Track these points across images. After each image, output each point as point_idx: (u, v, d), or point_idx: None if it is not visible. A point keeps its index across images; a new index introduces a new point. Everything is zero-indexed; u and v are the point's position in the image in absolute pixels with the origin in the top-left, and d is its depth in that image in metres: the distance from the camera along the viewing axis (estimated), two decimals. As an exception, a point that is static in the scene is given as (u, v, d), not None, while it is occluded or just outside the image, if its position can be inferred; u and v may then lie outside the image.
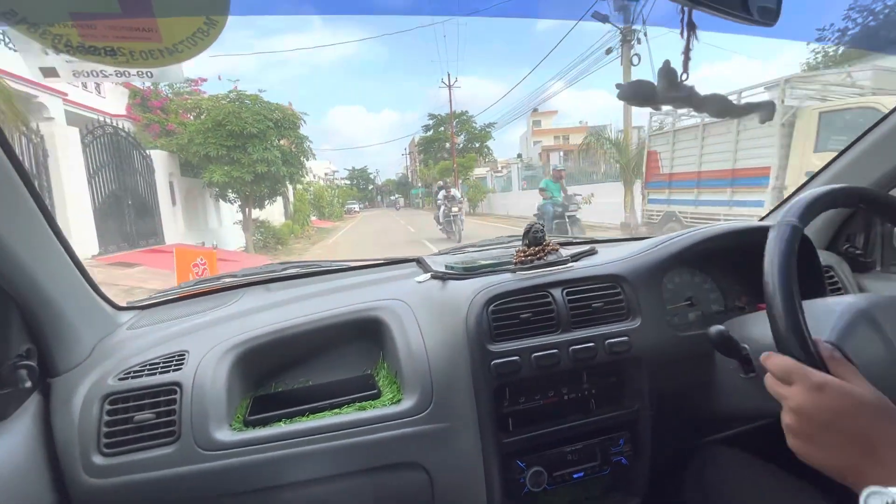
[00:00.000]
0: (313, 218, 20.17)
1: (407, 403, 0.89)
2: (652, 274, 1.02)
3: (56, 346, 0.81)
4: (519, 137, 41.34)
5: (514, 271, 1.03)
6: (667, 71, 0.59)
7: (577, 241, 1.59)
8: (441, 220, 11.55)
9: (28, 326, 0.76)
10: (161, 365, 0.87)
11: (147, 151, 9.73)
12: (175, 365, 0.87)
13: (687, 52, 0.57)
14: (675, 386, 1.00)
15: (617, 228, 11.21)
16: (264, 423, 0.86)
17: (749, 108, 0.70)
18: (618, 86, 0.62)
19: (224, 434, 0.82)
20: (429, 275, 1.14)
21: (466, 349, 0.90)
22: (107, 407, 0.81)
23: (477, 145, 35.14)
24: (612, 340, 0.94)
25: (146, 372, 0.86)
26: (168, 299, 1.17)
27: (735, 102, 0.71)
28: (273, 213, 13.67)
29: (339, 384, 0.99)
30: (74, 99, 8.53)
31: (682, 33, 0.56)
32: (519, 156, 31.53)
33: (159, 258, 7.72)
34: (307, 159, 11.77)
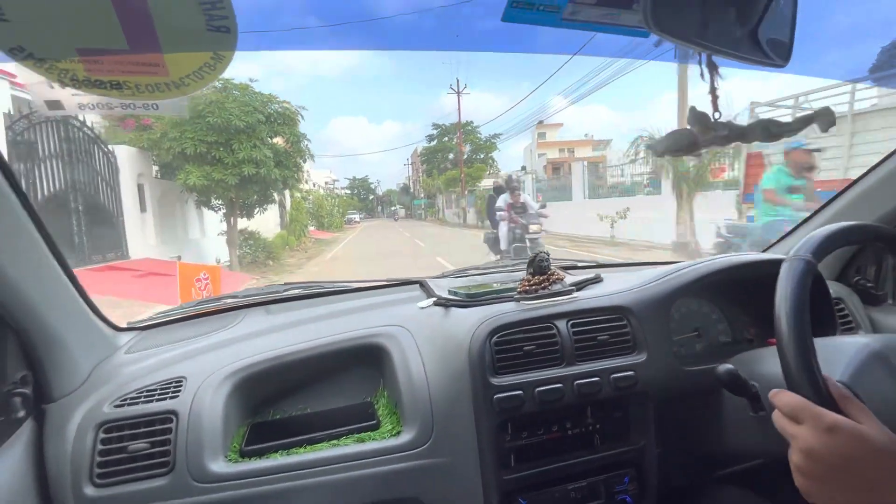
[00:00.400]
0: (311, 228, 19.43)
1: (406, 436, 0.87)
2: (659, 306, 1.00)
3: (52, 372, 0.79)
4: (523, 150, 39.95)
5: (517, 300, 1.02)
6: (696, 117, 0.58)
7: (582, 265, 1.57)
8: (505, 246, 6.59)
9: (24, 351, 0.75)
10: (158, 392, 0.86)
11: (110, 147, 7.94)
12: (172, 392, 0.86)
13: (713, 91, 0.56)
14: (682, 421, 0.98)
15: (667, 248, 9.22)
16: (260, 453, 0.84)
17: (804, 122, 0.62)
18: (650, 146, 0.61)
19: (219, 465, 0.80)
20: (431, 301, 1.12)
21: (468, 381, 0.88)
22: (101, 435, 0.79)
23: (482, 156, 34.42)
24: (618, 375, 0.92)
25: (142, 399, 0.84)
26: (169, 320, 1.16)
27: (783, 121, 0.66)
28: (267, 222, 12.09)
29: (338, 412, 0.97)
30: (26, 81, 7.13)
31: (702, 75, 0.55)
32: (523, 168, 30.64)
33: (116, 278, 6.31)
34: (304, 161, 9.90)
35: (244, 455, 0.84)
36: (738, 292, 1.10)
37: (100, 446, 0.78)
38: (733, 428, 0.90)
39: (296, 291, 1.34)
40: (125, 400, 0.84)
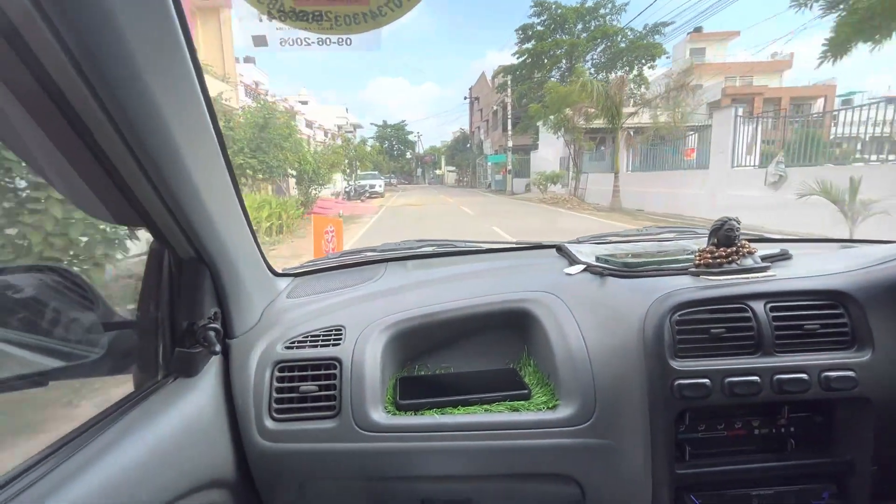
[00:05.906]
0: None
1: (565, 411, 0.81)
2: (893, 294, 0.79)
3: (235, 310, 0.85)
4: (652, 80, 18.37)
5: (696, 275, 0.87)
6: None
7: (746, 237, 1.34)
8: None
9: (215, 290, 0.81)
10: (322, 338, 0.88)
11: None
12: (334, 340, 0.88)
13: None
14: None
15: None
16: (416, 408, 0.84)
17: None
18: None
19: (379, 416, 0.81)
20: (580, 267, 1.02)
21: (642, 362, 0.78)
22: (276, 374, 0.84)
23: (631, 64, 18.63)
24: (832, 374, 0.76)
25: (308, 343, 0.88)
26: (319, 268, 1.21)
27: None
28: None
29: (483, 376, 0.94)
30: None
31: None
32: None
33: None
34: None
35: (400, 408, 0.84)
36: None
37: (276, 384, 0.83)
38: None
39: (430, 249, 1.33)
40: (293, 342, 0.88)
